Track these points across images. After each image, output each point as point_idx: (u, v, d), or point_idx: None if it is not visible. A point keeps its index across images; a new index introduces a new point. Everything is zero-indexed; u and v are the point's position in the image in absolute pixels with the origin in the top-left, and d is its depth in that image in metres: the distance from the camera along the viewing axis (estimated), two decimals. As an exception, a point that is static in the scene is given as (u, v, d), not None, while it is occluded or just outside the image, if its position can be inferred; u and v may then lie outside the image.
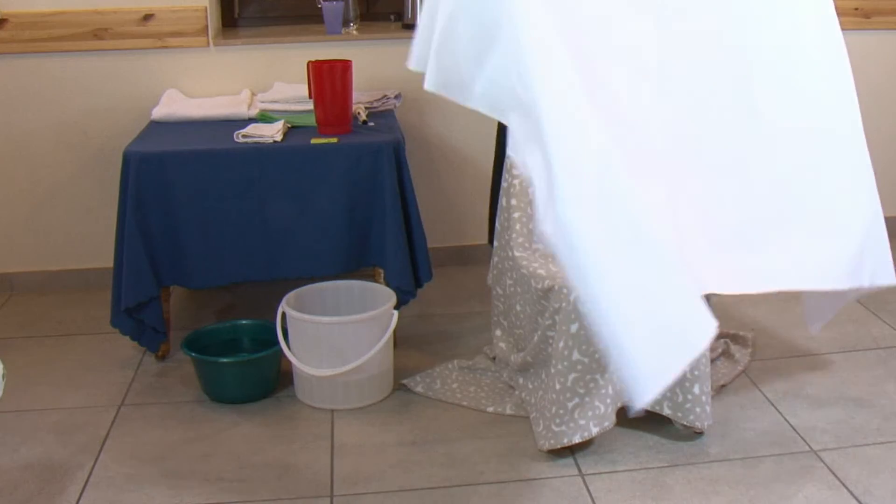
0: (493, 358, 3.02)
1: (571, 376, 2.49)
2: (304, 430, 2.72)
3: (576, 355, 2.49)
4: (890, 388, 2.88)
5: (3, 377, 2.07)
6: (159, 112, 3.35)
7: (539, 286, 2.65)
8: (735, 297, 2.89)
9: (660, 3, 2.31)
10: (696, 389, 2.55)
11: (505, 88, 2.07)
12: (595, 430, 2.51)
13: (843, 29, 3.93)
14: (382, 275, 3.08)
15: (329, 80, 3.05)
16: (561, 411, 2.49)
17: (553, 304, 2.58)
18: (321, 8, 3.70)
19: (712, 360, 2.88)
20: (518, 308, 2.85)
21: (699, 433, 2.62)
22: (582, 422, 2.50)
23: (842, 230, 2.47)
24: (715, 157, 2.38)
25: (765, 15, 2.42)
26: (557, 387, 2.50)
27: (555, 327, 2.57)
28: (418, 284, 3.12)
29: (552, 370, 2.53)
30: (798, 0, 2.46)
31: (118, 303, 2.99)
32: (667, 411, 2.59)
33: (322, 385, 2.80)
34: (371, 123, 3.25)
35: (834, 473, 2.45)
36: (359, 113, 3.27)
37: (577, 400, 2.49)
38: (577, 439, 2.49)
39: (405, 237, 3.04)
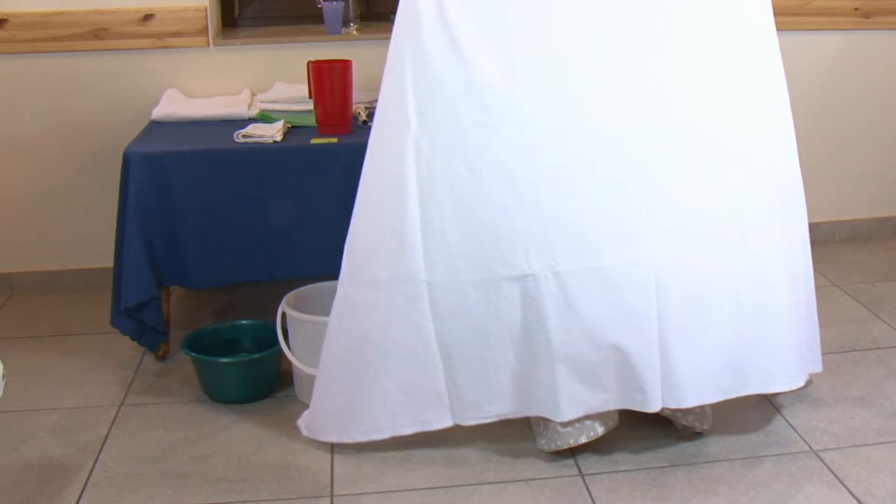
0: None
1: None
2: (304, 430, 2.72)
3: None
4: (890, 388, 2.88)
5: (3, 377, 2.07)
6: (159, 112, 3.35)
7: None
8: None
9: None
10: None
11: None
12: (601, 430, 2.51)
13: (843, 29, 3.96)
14: (382, 275, 3.07)
15: (329, 80, 3.05)
16: None
17: None
18: (321, 8, 3.70)
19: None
20: None
21: (699, 433, 2.62)
22: (588, 422, 2.50)
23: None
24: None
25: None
26: None
27: None
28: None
29: None
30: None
31: (118, 303, 2.99)
32: (666, 411, 2.58)
33: (322, 385, 2.80)
34: (371, 123, 3.24)
35: (834, 473, 2.45)
36: (359, 113, 3.27)
37: None
38: (583, 439, 2.49)
39: (405, 237, 3.04)
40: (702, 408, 2.55)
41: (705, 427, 2.58)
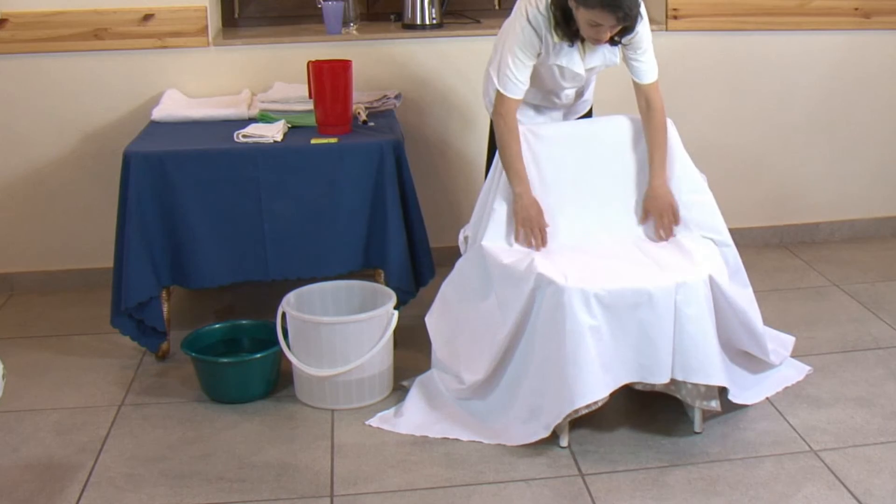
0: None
1: None
2: (304, 430, 2.72)
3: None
4: (890, 388, 2.88)
5: (3, 377, 2.07)
6: (159, 112, 3.35)
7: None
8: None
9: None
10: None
11: None
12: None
13: (843, 29, 3.96)
14: (383, 275, 3.08)
15: (329, 80, 3.05)
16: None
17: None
18: (321, 8, 3.70)
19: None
20: None
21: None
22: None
23: None
24: None
25: None
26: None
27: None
28: (422, 283, 3.13)
29: None
30: None
31: (118, 303, 2.99)
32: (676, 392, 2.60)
33: (322, 385, 2.80)
34: (371, 123, 3.25)
35: (834, 473, 2.45)
36: (359, 113, 3.27)
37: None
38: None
39: (406, 237, 3.04)
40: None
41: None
